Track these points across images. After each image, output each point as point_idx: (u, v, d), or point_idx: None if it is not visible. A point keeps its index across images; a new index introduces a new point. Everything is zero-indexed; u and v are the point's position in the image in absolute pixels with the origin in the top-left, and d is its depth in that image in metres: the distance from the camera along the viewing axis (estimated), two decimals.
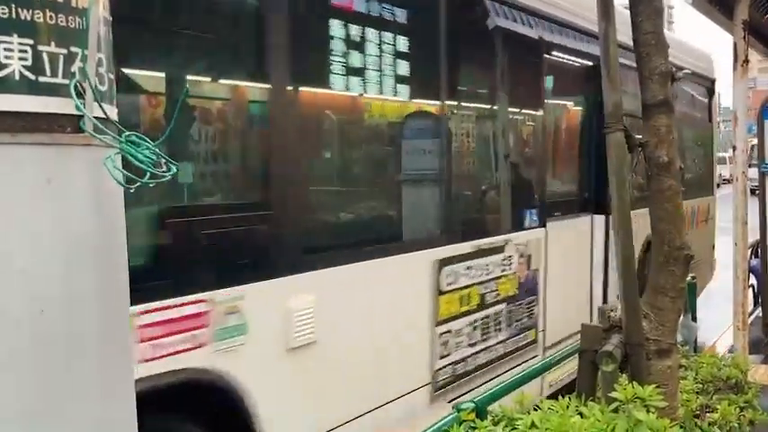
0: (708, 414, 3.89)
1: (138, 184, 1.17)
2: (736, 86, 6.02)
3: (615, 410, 2.93)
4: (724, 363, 4.44)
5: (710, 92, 10.62)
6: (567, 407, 2.95)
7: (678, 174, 3.35)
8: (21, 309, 1.14)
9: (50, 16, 1.17)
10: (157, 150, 1.17)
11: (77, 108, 1.18)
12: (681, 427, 3.13)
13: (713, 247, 10.37)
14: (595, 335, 3.27)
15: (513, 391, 3.20)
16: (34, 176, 1.15)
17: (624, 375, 3.39)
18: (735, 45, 5.94)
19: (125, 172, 1.17)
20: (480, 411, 3.02)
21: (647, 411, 2.86)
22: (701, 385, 4.10)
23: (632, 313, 3.25)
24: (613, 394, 2.90)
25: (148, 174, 1.17)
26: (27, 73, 1.15)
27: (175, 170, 1.20)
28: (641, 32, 3.30)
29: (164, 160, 1.18)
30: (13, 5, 1.13)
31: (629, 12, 3.35)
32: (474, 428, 2.89)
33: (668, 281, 3.34)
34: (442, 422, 2.90)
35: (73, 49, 1.21)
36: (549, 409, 2.97)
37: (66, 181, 1.18)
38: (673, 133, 3.33)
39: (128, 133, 1.19)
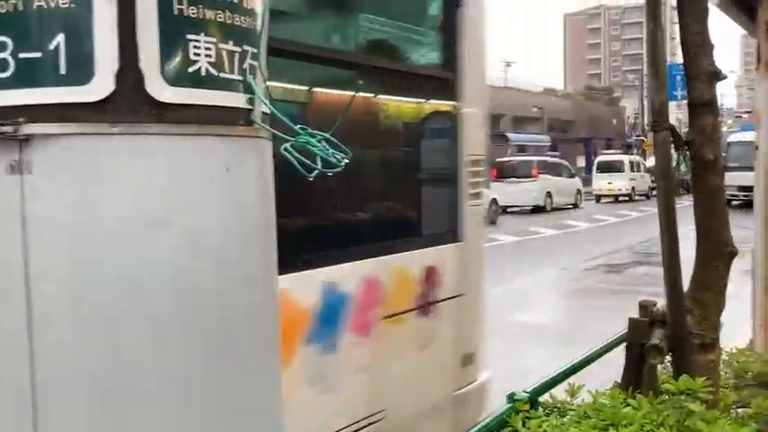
0: (741, 409, 3.98)
1: (317, 172, 1.26)
2: (760, 87, 6.10)
3: (660, 403, 3.02)
4: (752, 359, 4.54)
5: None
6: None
7: (722, 171, 3.44)
8: (211, 286, 1.23)
9: (229, 16, 1.26)
10: (335, 141, 1.25)
11: (250, 102, 1.28)
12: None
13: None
14: (642, 329, 3.36)
15: (562, 382, 3.29)
16: (216, 165, 1.24)
17: (662, 368, 3.49)
18: (758, 46, 6.02)
19: (305, 160, 1.25)
20: (533, 401, 3.11)
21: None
22: (734, 380, 4.19)
23: (677, 308, 3.34)
24: (665, 386, 2.99)
25: (321, 163, 1.25)
26: (211, 69, 1.24)
27: (347, 160, 1.29)
28: (689, 33, 3.39)
29: (333, 151, 1.27)
30: (201, 6, 1.22)
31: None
32: (529, 418, 2.99)
33: (712, 276, 3.43)
34: (499, 412, 2.98)
35: (246, 47, 1.30)
36: (600, 401, 3.07)
37: (241, 170, 1.27)
38: (718, 132, 3.43)
39: (300, 126, 1.27)
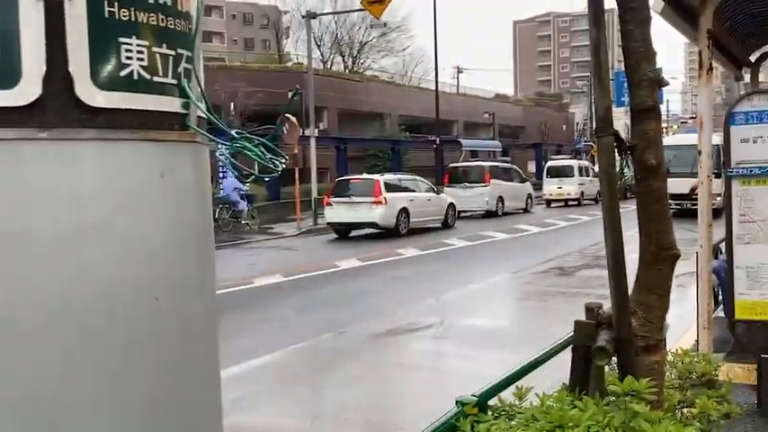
0: (685, 409, 4.05)
1: (253, 177, 1.24)
2: (702, 93, 6.24)
3: (607, 404, 3.06)
4: (696, 360, 4.62)
5: None
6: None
7: (665, 176, 3.50)
8: (146, 291, 1.20)
9: (162, 19, 1.23)
10: (273, 146, 1.23)
11: (185, 106, 1.25)
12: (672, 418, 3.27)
13: None
14: (588, 331, 3.39)
15: (511, 385, 3.30)
16: (150, 171, 1.21)
17: (609, 370, 3.53)
18: (700, 53, 6.16)
19: (241, 165, 1.23)
20: (482, 405, 3.12)
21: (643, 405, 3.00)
22: (679, 381, 4.26)
23: (622, 310, 3.38)
24: (611, 388, 3.03)
25: (259, 167, 1.23)
26: (144, 73, 1.21)
27: (283, 166, 1.27)
28: (631, 40, 3.44)
29: (271, 156, 1.25)
30: (133, 9, 1.19)
31: None
32: (478, 422, 3.00)
33: (656, 279, 3.48)
34: (447, 417, 2.98)
35: (180, 50, 1.27)
36: (547, 404, 3.09)
37: (176, 176, 1.24)
38: (661, 137, 3.48)
39: (237, 130, 1.25)
